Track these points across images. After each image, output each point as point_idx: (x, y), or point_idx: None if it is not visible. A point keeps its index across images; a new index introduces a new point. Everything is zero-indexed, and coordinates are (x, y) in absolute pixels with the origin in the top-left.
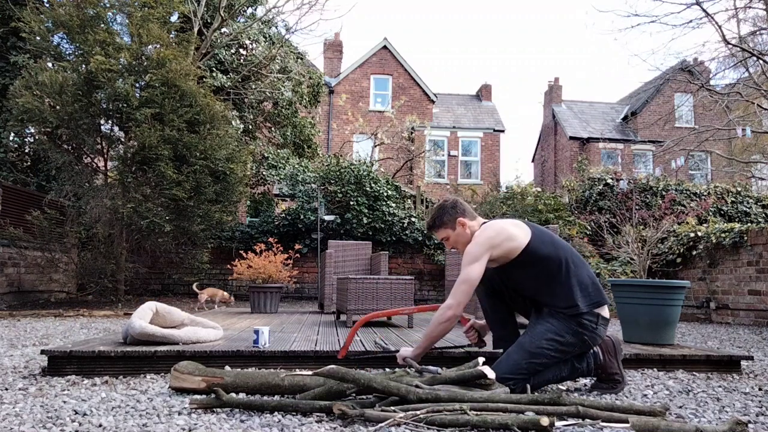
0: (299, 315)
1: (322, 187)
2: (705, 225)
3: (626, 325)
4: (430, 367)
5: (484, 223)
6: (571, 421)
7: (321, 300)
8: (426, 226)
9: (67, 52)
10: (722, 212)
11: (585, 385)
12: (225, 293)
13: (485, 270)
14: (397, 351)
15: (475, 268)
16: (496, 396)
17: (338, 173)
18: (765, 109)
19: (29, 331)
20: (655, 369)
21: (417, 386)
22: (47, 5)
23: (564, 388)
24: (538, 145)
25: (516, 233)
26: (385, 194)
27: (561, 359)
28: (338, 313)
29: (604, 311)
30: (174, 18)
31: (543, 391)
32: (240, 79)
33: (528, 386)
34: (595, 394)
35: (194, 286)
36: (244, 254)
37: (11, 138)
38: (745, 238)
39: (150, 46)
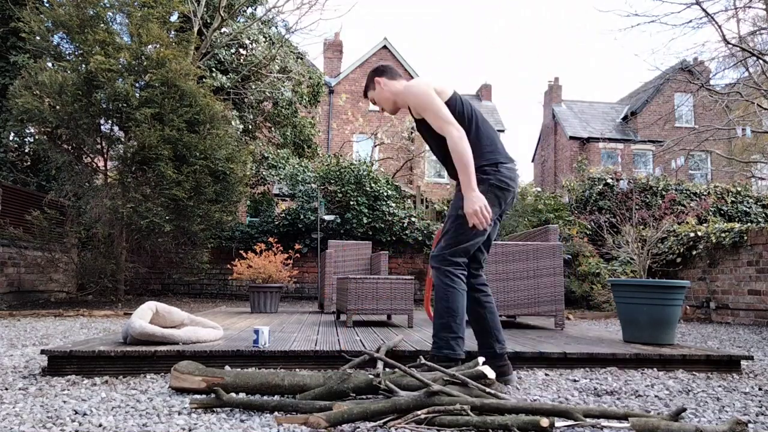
0: (299, 315)
1: (322, 187)
2: (705, 225)
3: (626, 324)
4: None
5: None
6: (570, 422)
7: (321, 300)
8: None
9: (67, 52)
10: (722, 212)
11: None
12: None
13: None
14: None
15: (436, 102)
16: (494, 398)
17: (338, 173)
18: (765, 109)
19: (29, 331)
20: (655, 369)
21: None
22: (47, 5)
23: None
24: (538, 145)
25: (445, 85)
26: (385, 194)
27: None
28: (338, 313)
29: (506, 165)
30: (174, 18)
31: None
32: (240, 79)
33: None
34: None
35: None
36: (244, 254)
37: (11, 138)
38: (745, 237)
39: (150, 46)
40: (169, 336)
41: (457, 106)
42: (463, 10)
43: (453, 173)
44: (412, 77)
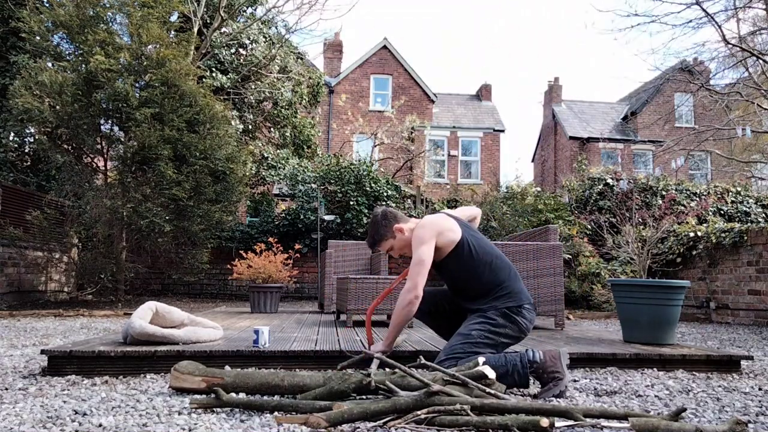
0: (299, 315)
1: (322, 187)
2: (705, 225)
3: (626, 325)
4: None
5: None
6: (570, 422)
7: (321, 300)
8: (368, 245)
9: (67, 52)
10: (722, 212)
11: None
12: None
13: (424, 292)
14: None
15: (425, 250)
16: (494, 398)
17: (338, 173)
18: (765, 109)
19: (29, 331)
20: (655, 369)
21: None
22: (47, 5)
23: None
24: (538, 145)
25: (454, 226)
26: (385, 194)
27: (494, 343)
28: (338, 312)
29: (528, 306)
30: (174, 18)
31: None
32: (240, 79)
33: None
34: (543, 398)
35: None
36: (244, 254)
37: (11, 138)
38: (745, 237)
39: (150, 46)
40: (169, 336)
41: (471, 244)
42: (463, 10)
43: (460, 296)
44: (412, 77)
